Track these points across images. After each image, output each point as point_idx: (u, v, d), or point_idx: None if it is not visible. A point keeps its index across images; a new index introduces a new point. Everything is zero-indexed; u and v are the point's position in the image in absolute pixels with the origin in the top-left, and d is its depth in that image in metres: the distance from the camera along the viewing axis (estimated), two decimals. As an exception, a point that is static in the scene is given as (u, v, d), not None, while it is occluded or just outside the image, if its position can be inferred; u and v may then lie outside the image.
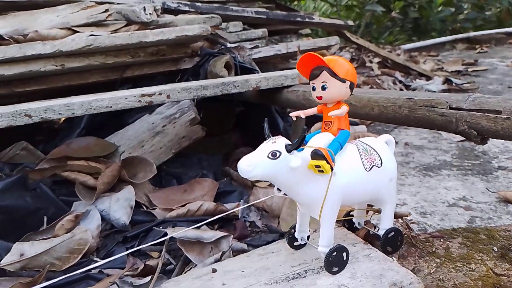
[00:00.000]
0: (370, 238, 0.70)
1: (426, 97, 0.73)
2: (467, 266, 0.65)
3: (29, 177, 0.98)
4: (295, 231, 0.69)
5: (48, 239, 0.89)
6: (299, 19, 1.88)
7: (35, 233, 0.91)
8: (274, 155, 0.55)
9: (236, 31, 1.70)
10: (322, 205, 0.58)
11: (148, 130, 1.27)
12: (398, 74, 2.44)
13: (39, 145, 1.36)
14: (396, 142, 1.63)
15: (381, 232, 0.68)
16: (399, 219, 0.77)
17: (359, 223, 0.75)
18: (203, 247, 0.90)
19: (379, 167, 0.62)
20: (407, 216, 0.81)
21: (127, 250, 0.94)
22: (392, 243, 0.68)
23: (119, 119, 1.40)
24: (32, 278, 0.82)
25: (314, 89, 0.62)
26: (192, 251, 0.89)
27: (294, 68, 0.88)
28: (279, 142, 0.56)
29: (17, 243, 0.85)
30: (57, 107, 0.92)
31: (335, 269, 0.61)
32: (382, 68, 2.57)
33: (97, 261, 0.90)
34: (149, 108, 1.35)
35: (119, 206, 1.00)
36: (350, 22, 2.19)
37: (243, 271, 0.65)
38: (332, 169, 0.56)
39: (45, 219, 0.95)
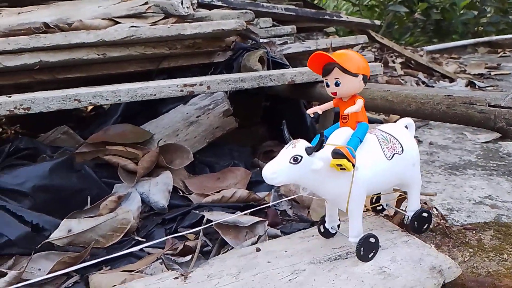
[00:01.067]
0: (405, 227, 0.73)
1: (465, 95, 0.76)
2: (499, 256, 0.68)
3: (75, 159, 1.03)
4: (325, 221, 0.71)
5: (93, 217, 0.94)
6: (327, 17, 1.91)
7: (80, 212, 0.96)
8: (296, 160, 0.56)
9: (266, 27, 1.74)
10: (348, 200, 0.60)
11: (182, 120, 1.32)
12: (421, 75, 2.45)
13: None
14: (421, 141, 1.66)
15: (409, 214, 0.70)
16: (434, 209, 0.80)
17: (386, 204, 0.77)
18: (239, 231, 0.94)
19: (400, 154, 0.63)
20: (433, 196, 0.83)
21: (165, 231, 0.99)
22: (421, 223, 0.71)
23: (152, 108, 1.45)
24: (78, 254, 0.87)
25: (328, 85, 0.63)
26: (228, 235, 0.93)
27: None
28: (299, 146, 0.57)
29: (65, 219, 0.90)
30: (104, 93, 0.97)
31: (371, 255, 0.63)
32: (405, 69, 2.59)
33: (138, 240, 0.96)
34: (183, 99, 1.40)
35: (158, 190, 1.05)
36: (377, 22, 2.21)
37: (286, 251, 0.69)
38: (353, 165, 0.57)
39: (88, 199, 1.00)
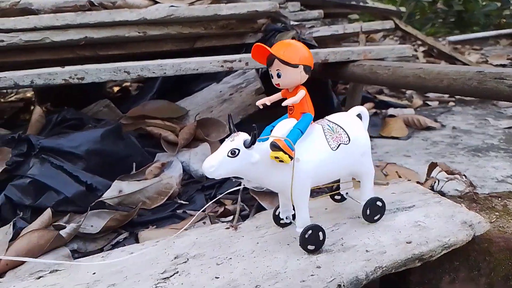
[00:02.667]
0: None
1: (495, 71, 0.80)
2: (525, 220, 0.74)
3: (122, 128, 1.11)
4: (279, 211, 0.70)
5: (140, 181, 1.02)
6: (353, 2, 1.95)
7: (127, 176, 1.04)
8: (233, 153, 0.56)
9: (294, 11, 1.79)
10: (291, 191, 0.60)
11: (216, 97, 1.38)
12: (443, 64, 2.47)
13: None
14: (444, 126, 1.70)
15: (362, 203, 0.68)
16: (463, 176, 0.85)
17: (346, 193, 0.75)
18: (274, 197, 1.00)
19: (346, 144, 0.62)
20: (385, 185, 0.81)
21: (205, 197, 1.06)
22: (374, 211, 0.68)
23: (185, 87, 1.52)
24: (127, 213, 0.95)
25: (272, 76, 0.62)
26: (265, 200, 0.99)
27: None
28: (237, 139, 0.57)
29: (116, 181, 0.98)
30: (151, 66, 1.04)
31: (311, 247, 0.61)
32: (428, 57, 2.61)
33: (181, 203, 1.03)
34: (216, 78, 1.46)
35: (197, 159, 1.12)
36: (402, 9, 2.24)
37: (326, 209, 0.75)
38: (291, 158, 0.57)
39: (134, 165, 1.08)
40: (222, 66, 1.08)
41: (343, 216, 0.72)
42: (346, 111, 1.47)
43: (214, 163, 0.56)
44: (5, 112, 2.20)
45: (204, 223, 0.94)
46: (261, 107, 0.65)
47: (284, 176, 0.59)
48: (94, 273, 0.65)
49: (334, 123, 0.64)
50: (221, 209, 0.98)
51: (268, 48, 0.60)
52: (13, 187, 0.89)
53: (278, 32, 1.41)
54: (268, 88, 1.43)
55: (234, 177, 0.96)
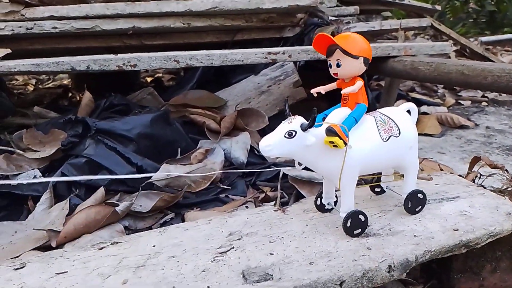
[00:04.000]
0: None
1: (542, 69, 0.81)
2: None
3: (170, 114, 1.15)
4: (322, 197, 0.72)
5: (186, 165, 1.06)
6: None
7: (173, 160, 1.09)
8: (290, 134, 0.58)
9: (330, 7, 1.80)
10: (340, 176, 0.61)
11: (254, 89, 1.42)
12: (476, 64, 2.45)
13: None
14: (477, 125, 1.70)
15: (404, 196, 0.70)
16: (506, 171, 0.87)
17: (386, 186, 0.77)
18: (313, 186, 1.04)
19: (396, 136, 0.64)
20: (429, 180, 0.82)
21: (245, 183, 1.10)
22: (416, 203, 0.69)
23: (223, 78, 1.57)
24: (174, 194, 1.00)
25: (330, 66, 0.64)
26: (303, 189, 1.03)
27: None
28: (295, 122, 0.59)
29: (164, 164, 1.03)
30: (200, 56, 1.08)
31: (357, 231, 0.64)
32: (460, 57, 2.59)
33: (224, 188, 1.07)
34: (254, 70, 1.50)
35: (238, 147, 1.16)
36: (438, 7, 2.23)
37: (371, 197, 0.78)
38: (345, 143, 0.59)
39: (179, 150, 1.13)
40: (266, 57, 1.11)
41: (389, 204, 0.74)
42: (381, 107, 1.48)
43: (272, 142, 0.58)
44: (44, 98, 2.29)
45: (247, 207, 0.99)
46: (315, 95, 0.67)
47: (335, 162, 0.61)
48: (154, 246, 0.69)
49: (386, 116, 0.66)
50: (262, 195, 1.02)
51: (333, 38, 0.62)
52: (69, 165, 0.95)
53: (317, 27, 1.43)
54: (305, 81, 1.46)
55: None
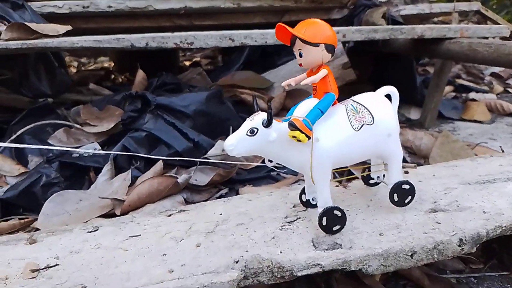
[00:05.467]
0: None
1: None
2: None
3: (223, 92, 1.17)
4: (305, 193, 0.69)
5: (238, 142, 1.08)
6: (438, -18, 1.90)
7: (225, 137, 1.11)
8: (252, 132, 0.56)
9: (378, -11, 1.77)
10: (311, 171, 0.59)
11: (301, 70, 1.41)
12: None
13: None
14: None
15: (389, 186, 0.66)
16: None
17: (378, 177, 0.73)
18: (365, 165, 1.04)
19: (370, 124, 0.60)
20: (413, 168, 0.77)
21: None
22: (403, 196, 0.65)
23: (269, 60, 1.57)
24: (228, 170, 1.02)
25: (295, 56, 0.62)
26: (356, 169, 1.03)
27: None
28: (257, 119, 0.57)
29: (219, 140, 1.05)
30: (254, 35, 1.09)
31: (335, 228, 0.61)
32: (507, 44, 2.49)
33: (275, 166, 1.08)
34: (300, 52, 1.50)
35: (289, 127, 1.17)
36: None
37: (434, 175, 0.78)
38: (309, 137, 0.56)
39: (230, 128, 1.14)
40: (319, 37, 1.11)
41: (453, 182, 0.74)
42: (431, 92, 1.45)
43: (234, 141, 0.57)
44: (88, 79, 2.36)
45: (299, 184, 1.00)
46: (287, 88, 0.64)
47: (303, 156, 0.59)
48: (220, 214, 0.72)
49: (358, 103, 0.62)
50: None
51: (289, 28, 0.59)
52: (130, 139, 0.99)
53: (367, 8, 1.42)
54: (354, 62, 1.45)
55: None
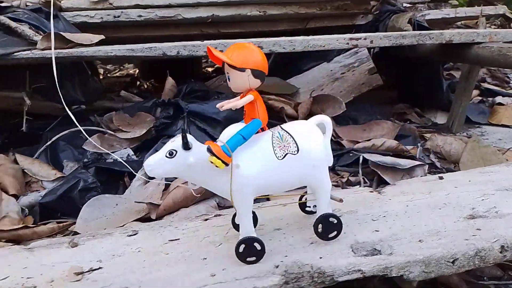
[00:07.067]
0: None
1: None
2: None
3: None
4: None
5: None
6: (462, -14, 1.89)
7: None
8: (171, 154, 0.55)
9: (402, -6, 1.77)
10: (231, 197, 0.58)
11: (327, 75, 1.43)
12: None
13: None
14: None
15: (315, 217, 0.63)
16: None
17: (314, 206, 0.70)
18: (395, 172, 1.04)
19: (294, 154, 0.59)
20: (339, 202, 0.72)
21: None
22: (328, 229, 0.63)
23: (293, 66, 1.58)
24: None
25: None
26: (386, 174, 1.03)
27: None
28: (177, 141, 0.56)
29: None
30: (282, 42, 1.10)
31: (250, 259, 0.60)
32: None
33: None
34: (326, 58, 1.51)
35: (317, 132, 1.17)
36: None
37: (469, 181, 0.77)
38: (226, 164, 0.55)
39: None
40: (347, 43, 1.12)
41: (489, 188, 0.74)
42: (458, 96, 1.43)
43: (152, 162, 0.56)
44: (115, 86, 2.41)
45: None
46: (222, 109, 0.61)
47: (223, 182, 0.58)
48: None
49: (286, 131, 0.60)
50: (344, 179, 1.04)
51: (215, 52, 0.58)
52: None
53: (393, 13, 1.42)
54: (380, 68, 1.45)
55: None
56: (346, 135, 1.24)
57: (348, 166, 1.12)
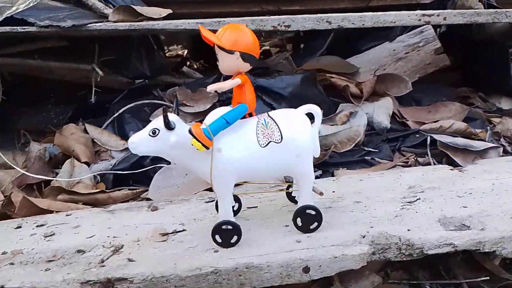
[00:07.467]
0: None
1: None
2: None
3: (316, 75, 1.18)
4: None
5: (332, 125, 1.08)
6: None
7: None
8: (154, 132, 0.55)
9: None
10: (211, 181, 0.58)
11: (389, 55, 1.39)
12: None
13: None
14: None
15: (297, 207, 0.62)
16: None
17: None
18: (467, 154, 1.00)
19: (278, 142, 0.58)
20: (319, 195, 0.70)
21: (390, 147, 1.09)
22: (307, 221, 0.61)
23: (352, 45, 1.55)
24: (323, 152, 1.02)
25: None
26: (457, 156, 1.00)
27: None
28: (161, 119, 0.56)
29: (314, 122, 1.05)
30: (352, 18, 1.08)
31: (233, 240, 0.60)
32: None
33: (369, 150, 1.07)
34: (387, 37, 1.46)
35: (381, 112, 1.15)
36: None
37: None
38: (207, 147, 0.55)
39: (321, 112, 1.14)
40: (419, 20, 1.08)
41: None
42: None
43: (136, 140, 0.57)
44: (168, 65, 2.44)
45: (397, 168, 0.98)
46: (213, 92, 0.61)
47: (204, 165, 0.57)
48: (333, 191, 0.72)
49: (271, 119, 0.59)
50: (412, 160, 1.01)
51: (204, 32, 0.57)
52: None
53: (463, -9, 1.35)
54: (447, 48, 1.39)
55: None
56: (411, 116, 1.20)
57: (414, 147, 1.09)
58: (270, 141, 0.58)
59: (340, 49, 1.56)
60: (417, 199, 0.66)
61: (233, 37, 0.57)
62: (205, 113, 1.16)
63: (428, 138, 1.06)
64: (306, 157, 0.60)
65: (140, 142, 0.57)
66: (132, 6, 1.11)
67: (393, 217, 0.62)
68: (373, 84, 1.22)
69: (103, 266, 0.58)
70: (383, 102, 1.17)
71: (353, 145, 1.07)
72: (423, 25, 1.14)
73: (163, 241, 0.64)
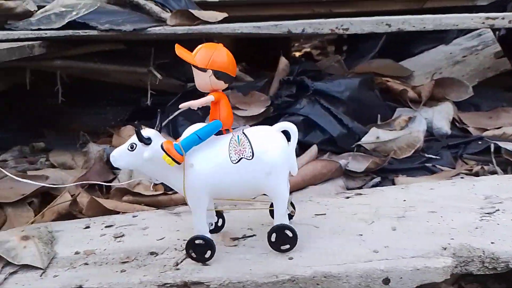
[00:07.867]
0: None
1: None
2: None
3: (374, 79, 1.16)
4: None
5: (392, 131, 1.06)
6: None
7: (376, 124, 1.09)
8: (132, 147, 0.56)
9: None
10: (185, 196, 0.58)
11: (445, 58, 1.35)
12: None
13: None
14: None
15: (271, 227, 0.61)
16: None
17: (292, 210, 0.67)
18: (536, 162, 0.96)
19: (249, 159, 0.57)
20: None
21: (451, 154, 1.06)
22: (281, 240, 0.60)
23: (404, 49, 1.51)
24: (382, 159, 1.00)
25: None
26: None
27: None
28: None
29: (373, 128, 1.03)
30: (412, 20, 1.05)
31: (194, 255, 0.60)
32: None
33: (430, 157, 1.04)
34: (442, 40, 1.42)
35: (441, 117, 1.12)
36: None
37: None
38: (178, 162, 0.55)
39: (378, 116, 1.12)
40: (483, 23, 1.04)
41: None
42: None
43: (115, 154, 0.58)
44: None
45: (462, 178, 0.94)
46: (180, 107, 0.60)
47: (177, 180, 0.58)
48: (404, 200, 0.70)
49: (244, 135, 0.58)
50: (478, 168, 0.97)
51: (178, 51, 0.57)
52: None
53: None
54: (508, 52, 1.34)
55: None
56: (471, 122, 1.16)
57: (476, 154, 1.05)
58: (241, 158, 0.58)
59: (392, 52, 1.53)
60: (496, 210, 0.63)
61: (206, 55, 0.58)
62: (258, 117, 1.17)
63: (492, 145, 1.02)
64: (278, 175, 0.59)
65: (119, 156, 0.58)
66: (190, 10, 1.13)
67: (473, 229, 0.60)
68: (431, 88, 1.19)
69: (178, 269, 0.59)
70: (442, 107, 1.14)
71: (413, 151, 1.04)
72: (486, 28, 1.09)
73: (234, 245, 0.64)
